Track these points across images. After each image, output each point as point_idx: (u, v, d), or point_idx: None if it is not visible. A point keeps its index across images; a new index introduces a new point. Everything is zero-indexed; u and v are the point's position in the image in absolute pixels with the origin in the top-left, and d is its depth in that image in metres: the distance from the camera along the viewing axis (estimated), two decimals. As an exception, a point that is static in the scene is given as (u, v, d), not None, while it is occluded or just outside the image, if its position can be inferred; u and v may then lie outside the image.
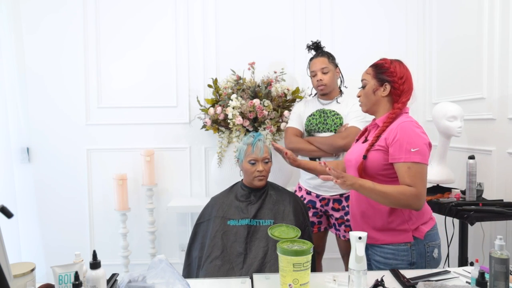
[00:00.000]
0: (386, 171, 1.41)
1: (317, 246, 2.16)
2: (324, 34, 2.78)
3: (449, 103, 2.13)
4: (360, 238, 1.13)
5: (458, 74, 2.46)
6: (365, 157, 1.42)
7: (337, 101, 2.09)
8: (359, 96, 1.54)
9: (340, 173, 1.35)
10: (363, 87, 1.50)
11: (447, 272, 1.35)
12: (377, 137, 1.42)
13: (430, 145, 1.40)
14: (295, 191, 2.21)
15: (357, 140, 1.60)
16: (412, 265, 1.41)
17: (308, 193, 2.11)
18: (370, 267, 1.51)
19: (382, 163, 1.40)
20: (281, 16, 2.80)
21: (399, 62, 1.48)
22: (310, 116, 2.11)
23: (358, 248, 1.12)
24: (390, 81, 1.44)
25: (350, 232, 1.16)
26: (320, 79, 2.04)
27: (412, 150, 1.33)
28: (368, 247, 1.49)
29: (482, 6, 2.18)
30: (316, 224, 2.13)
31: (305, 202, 2.10)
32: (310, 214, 2.09)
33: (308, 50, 2.19)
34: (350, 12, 2.81)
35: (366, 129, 1.59)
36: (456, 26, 2.48)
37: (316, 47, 2.16)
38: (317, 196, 2.08)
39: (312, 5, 2.80)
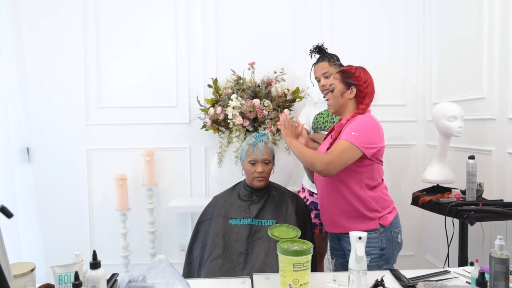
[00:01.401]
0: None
1: (319, 248, 2.16)
2: (324, 34, 2.78)
3: (449, 103, 2.13)
4: (360, 238, 1.13)
5: (458, 74, 2.46)
6: (328, 150, 1.54)
7: None
8: (327, 99, 1.67)
9: (285, 122, 1.62)
10: (332, 90, 1.63)
11: (447, 272, 1.35)
12: (339, 132, 1.57)
13: (378, 142, 1.51)
14: (299, 191, 2.22)
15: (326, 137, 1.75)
16: (382, 250, 1.54)
17: (311, 194, 2.12)
18: (344, 256, 1.64)
19: None
20: (281, 16, 2.80)
21: (363, 68, 1.63)
22: (318, 114, 2.13)
23: (358, 248, 1.12)
24: (356, 84, 1.59)
25: (350, 232, 1.17)
26: (323, 84, 2.06)
27: (352, 133, 1.47)
28: (340, 238, 1.64)
29: (482, 6, 2.18)
30: (318, 225, 2.13)
31: (307, 203, 2.10)
32: (312, 215, 2.09)
33: (311, 55, 2.20)
34: (350, 12, 2.81)
35: (333, 128, 1.72)
36: (456, 26, 2.48)
37: (319, 51, 2.17)
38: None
39: (312, 5, 2.80)
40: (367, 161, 1.52)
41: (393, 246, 1.56)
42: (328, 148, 1.55)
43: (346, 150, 1.46)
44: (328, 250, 1.85)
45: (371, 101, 1.61)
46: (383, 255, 1.53)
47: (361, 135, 1.46)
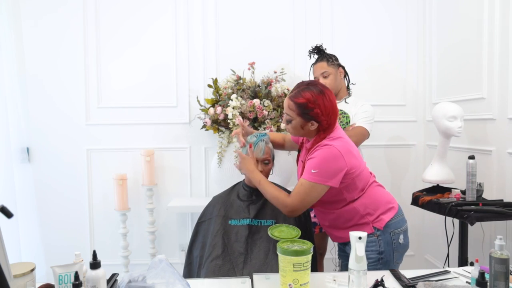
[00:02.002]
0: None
1: (318, 247, 2.16)
2: (324, 34, 2.78)
3: (449, 103, 2.13)
4: (360, 238, 1.13)
5: (458, 74, 2.46)
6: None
7: (345, 101, 2.10)
8: (284, 129, 1.60)
9: (241, 157, 1.60)
10: (289, 121, 1.51)
11: (447, 272, 1.35)
12: (302, 168, 1.51)
13: (344, 165, 1.41)
14: None
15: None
16: (381, 254, 1.50)
17: None
18: (346, 267, 1.54)
19: None
20: (281, 16, 2.80)
21: (321, 96, 1.44)
22: None
23: (358, 248, 1.12)
24: (317, 120, 1.46)
25: (350, 232, 1.16)
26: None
27: (312, 171, 1.41)
28: (345, 246, 1.62)
29: (482, 6, 2.18)
30: (318, 225, 2.13)
31: None
32: (312, 215, 2.09)
33: (310, 55, 2.20)
34: (350, 12, 2.81)
35: (302, 144, 1.67)
36: (456, 26, 2.48)
37: (318, 51, 2.17)
38: None
39: (312, 5, 2.80)
40: (340, 184, 1.43)
41: (394, 248, 1.51)
42: (302, 171, 1.50)
43: (310, 191, 1.41)
44: (336, 251, 1.84)
45: (335, 124, 1.50)
46: (381, 258, 1.50)
47: (320, 171, 1.39)
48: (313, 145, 1.49)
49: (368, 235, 1.46)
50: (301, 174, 1.49)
